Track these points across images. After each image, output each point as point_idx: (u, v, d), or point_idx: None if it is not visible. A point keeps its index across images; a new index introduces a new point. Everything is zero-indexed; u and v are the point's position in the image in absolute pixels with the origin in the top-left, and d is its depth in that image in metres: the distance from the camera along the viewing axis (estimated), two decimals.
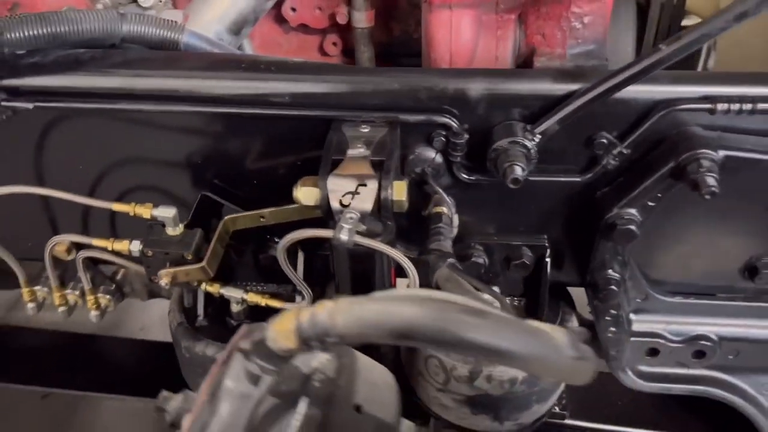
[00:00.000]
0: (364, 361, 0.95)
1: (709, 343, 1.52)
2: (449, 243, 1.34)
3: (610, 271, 1.42)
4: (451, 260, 1.28)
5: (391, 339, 0.73)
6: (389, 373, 0.97)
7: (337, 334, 0.73)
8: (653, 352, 1.56)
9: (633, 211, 1.32)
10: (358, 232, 1.22)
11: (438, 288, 1.26)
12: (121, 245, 1.36)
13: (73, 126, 1.42)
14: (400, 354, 1.61)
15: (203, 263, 1.33)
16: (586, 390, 1.89)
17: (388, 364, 1.05)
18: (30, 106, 1.31)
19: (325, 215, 1.21)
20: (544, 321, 1.47)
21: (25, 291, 1.70)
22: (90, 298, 1.69)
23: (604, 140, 1.30)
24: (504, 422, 1.59)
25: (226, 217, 1.38)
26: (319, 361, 0.88)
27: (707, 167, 1.21)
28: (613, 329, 1.52)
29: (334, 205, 1.18)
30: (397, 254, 1.22)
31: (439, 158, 1.36)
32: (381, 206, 1.19)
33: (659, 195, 1.31)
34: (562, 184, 1.38)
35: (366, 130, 1.29)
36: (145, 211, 1.32)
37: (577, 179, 1.37)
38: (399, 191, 1.20)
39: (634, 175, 1.32)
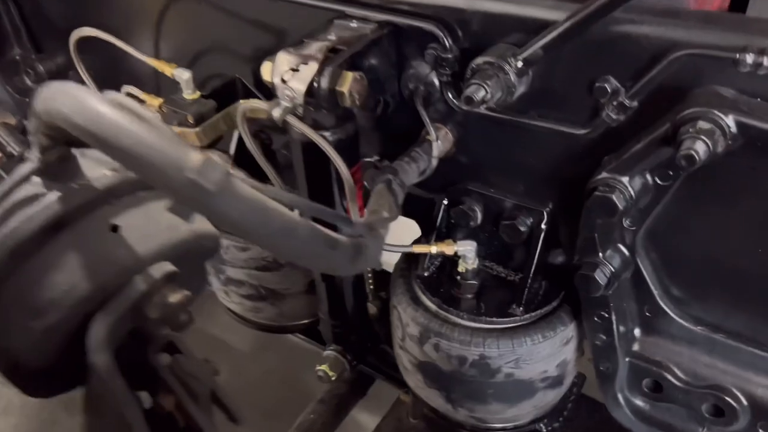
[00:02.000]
0: (156, 202, 0.92)
1: (731, 402, 1.15)
2: (413, 167, 1.22)
3: (599, 255, 1.15)
4: (389, 177, 1.16)
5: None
6: (184, 224, 0.93)
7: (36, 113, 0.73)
8: (656, 387, 1.23)
9: (623, 179, 1.04)
10: (301, 118, 1.18)
11: None
12: (154, 101, 1.50)
13: None
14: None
15: (198, 128, 1.40)
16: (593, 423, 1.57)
17: None
18: None
19: (272, 90, 1.19)
20: (525, 307, 1.28)
21: None
22: None
23: (608, 85, 1.06)
24: (457, 408, 1.40)
25: (240, 102, 1.43)
26: (102, 172, 0.88)
27: (703, 130, 0.92)
28: (602, 337, 1.23)
29: (276, 79, 1.16)
30: (327, 147, 1.15)
31: (433, 77, 1.23)
32: (315, 91, 1.13)
33: (669, 172, 1.03)
34: (563, 136, 1.15)
35: (353, 26, 1.23)
36: (167, 69, 1.44)
37: (578, 132, 1.13)
38: (343, 82, 1.13)
39: (634, 135, 1.05)
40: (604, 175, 1.06)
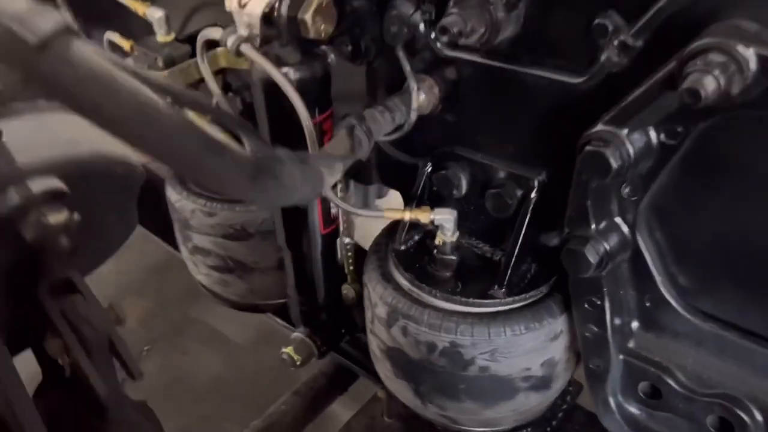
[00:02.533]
0: (60, 114, 0.79)
1: (742, 414, 0.96)
2: (387, 118, 1.07)
3: (592, 227, 0.98)
4: (353, 122, 1.01)
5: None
6: (91, 143, 0.79)
7: None
8: (654, 392, 1.05)
9: (621, 132, 0.87)
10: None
11: None
12: (126, 43, 1.39)
13: None
14: None
15: (165, 72, 1.28)
16: None
17: None
18: None
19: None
20: (508, 290, 1.12)
21: None
22: None
23: (608, 22, 0.89)
24: (427, 403, 1.23)
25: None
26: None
27: (715, 63, 0.75)
28: (593, 328, 1.05)
29: (233, 3, 1.03)
30: (286, 85, 1.01)
31: (417, 18, 1.08)
32: (274, 18, 0.99)
33: (677, 127, 0.86)
34: (558, 86, 0.99)
35: None
36: (140, 8, 1.32)
37: (575, 81, 0.97)
38: (307, 8, 0.98)
39: (638, 84, 0.88)
40: (598, 127, 0.89)
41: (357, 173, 1.32)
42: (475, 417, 1.23)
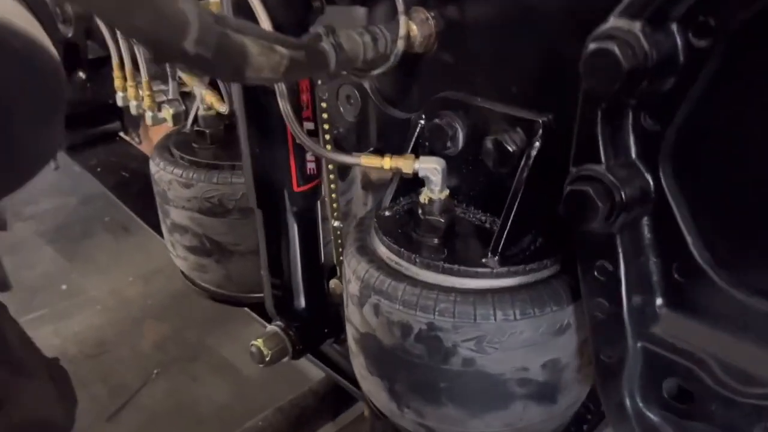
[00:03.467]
0: None
1: None
2: (366, 40, 0.91)
3: (602, 163, 0.77)
4: (321, 32, 0.86)
5: None
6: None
7: None
8: (682, 394, 0.79)
9: (634, 25, 0.68)
10: None
11: None
12: None
13: None
14: None
15: None
16: None
17: None
18: None
19: None
20: (501, 260, 0.91)
21: None
22: None
23: None
24: (403, 407, 1.01)
25: None
26: None
27: None
28: (603, 304, 0.82)
29: None
30: None
31: None
32: None
33: (709, 20, 0.66)
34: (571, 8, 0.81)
35: None
36: None
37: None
38: None
39: None
40: (608, 23, 0.70)
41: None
42: (461, 430, 0.99)
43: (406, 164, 0.94)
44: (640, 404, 0.82)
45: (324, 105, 1.06)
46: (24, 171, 0.88)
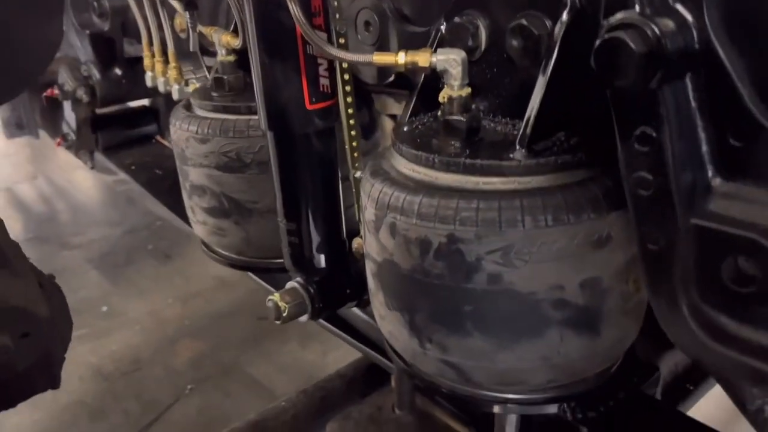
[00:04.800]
0: None
1: None
2: None
3: (637, 8, 0.67)
4: None
5: None
6: None
7: None
8: (741, 277, 0.66)
9: None
10: None
11: None
12: None
13: None
14: None
15: None
16: None
17: None
18: None
19: None
20: (529, 152, 0.83)
21: None
22: None
23: None
24: (425, 345, 0.90)
25: None
26: None
27: None
28: (647, 178, 0.70)
29: None
30: None
31: None
32: None
33: None
34: None
35: None
36: None
37: None
38: None
39: None
40: None
41: None
42: (489, 366, 0.87)
43: (423, 58, 0.86)
44: (696, 297, 0.69)
45: (336, 4, 1.00)
46: (26, 69, 0.86)
